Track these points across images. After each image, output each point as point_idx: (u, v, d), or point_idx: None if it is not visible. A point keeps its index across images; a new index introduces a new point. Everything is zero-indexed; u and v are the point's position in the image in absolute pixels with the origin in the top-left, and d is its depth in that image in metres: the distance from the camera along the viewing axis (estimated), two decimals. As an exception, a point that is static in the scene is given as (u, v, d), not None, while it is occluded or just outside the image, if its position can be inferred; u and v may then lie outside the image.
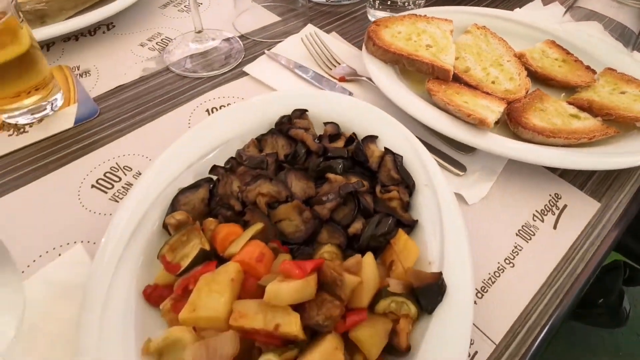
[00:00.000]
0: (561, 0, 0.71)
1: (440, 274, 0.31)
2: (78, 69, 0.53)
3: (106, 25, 0.60)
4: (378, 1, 0.60)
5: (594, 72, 0.52)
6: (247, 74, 0.54)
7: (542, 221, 0.40)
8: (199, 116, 0.48)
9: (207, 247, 0.31)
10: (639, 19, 0.57)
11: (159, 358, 0.29)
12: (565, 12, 0.63)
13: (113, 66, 0.54)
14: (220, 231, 0.33)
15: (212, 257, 0.32)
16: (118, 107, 0.49)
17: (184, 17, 0.64)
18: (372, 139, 0.42)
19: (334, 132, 0.42)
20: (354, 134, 0.43)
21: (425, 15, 0.55)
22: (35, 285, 0.33)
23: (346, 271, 0.30)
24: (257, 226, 0.33)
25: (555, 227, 0.40)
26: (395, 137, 0.42)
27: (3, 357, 0.29)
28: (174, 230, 0.33)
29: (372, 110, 0.44)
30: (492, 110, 0.45)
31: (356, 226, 0.34)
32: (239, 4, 0.64)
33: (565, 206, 0.42)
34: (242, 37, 0.60)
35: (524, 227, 0.40)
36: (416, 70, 0.50)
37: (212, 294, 0.28)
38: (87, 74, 0.53)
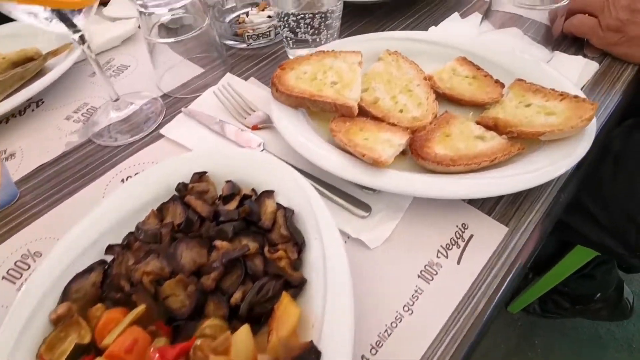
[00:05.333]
0: (482, 9, 0.70)
1: (310, 342, 0.30)
2: (5, 153, 0.55)
3: (35, 103, 0.63)
4: (292, 41, 0.61)
5: (502, 85, 0.51)
6: (164, 136, 0.55)
7: (447, 257, 0.40)
8: (114, 187, 0.49)
9: (85, 340, 0.32)
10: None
11: None
12: (482, 20, 0.62)
13: (38, 145, 0.56)
14: (101, 319, 0.33)
15: (92, 349, 0.32)
16: (38, 188, 0.50)
17: (112, 83, 0.65)
18: (268, 193, 0.42)
19: (229, 192, 0.42)
20: (253, 189, 0.43)
21: (333, 51, 0.56)
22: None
23: (214, 352, 0.30)
24: (138, 310, 0.34)
25: (459, 262, 0.39)
26: (292, 190, 0.42)
27: None
28: (55, 325, 0.33)
29: (272, 163, 0.44)
30: (392, 145, 0.44)
31: (236, 296, 0.34)
32: (164, 61, 0.65)
33: (471, 237, 0.41)
34: (164, 95, 0.61)
35: (426, 267, 0.39)
36: (321, 110, 0.50)
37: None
38: (13, 157, 0.55)
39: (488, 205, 0.43)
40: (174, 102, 0.60)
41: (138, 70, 0.67)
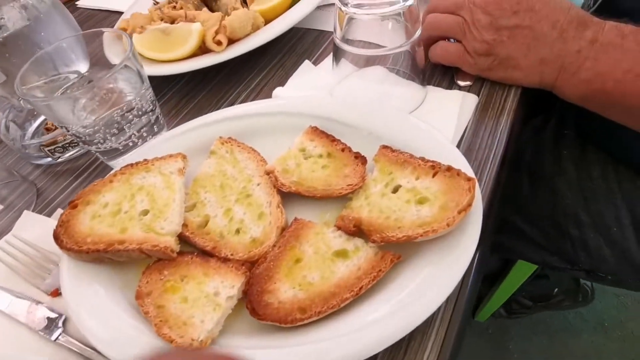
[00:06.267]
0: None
1: None
2: None
3: None
4: (97, 153, 0.46)
5: (364, 161, 0.40)
6: None
7: None
8: None
9: None
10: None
11: None
12: (333, 64, 0.51)
13: None
14: None
15: None
16: None
17: None
18: None
19: None
20: None
21: (145, 161, 0.42)
22: None
23: None
24: None
25: None
26: None
27: None
28: None
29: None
30: (217, 305, 0.31)
31: None
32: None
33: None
34: (-57, 261, 0.45)
35: None
36: (129, 260, 0.36)
37: None
38: None
39: (366, 358, 0.31)
40: (-45, 271, 0.44)
41: None
